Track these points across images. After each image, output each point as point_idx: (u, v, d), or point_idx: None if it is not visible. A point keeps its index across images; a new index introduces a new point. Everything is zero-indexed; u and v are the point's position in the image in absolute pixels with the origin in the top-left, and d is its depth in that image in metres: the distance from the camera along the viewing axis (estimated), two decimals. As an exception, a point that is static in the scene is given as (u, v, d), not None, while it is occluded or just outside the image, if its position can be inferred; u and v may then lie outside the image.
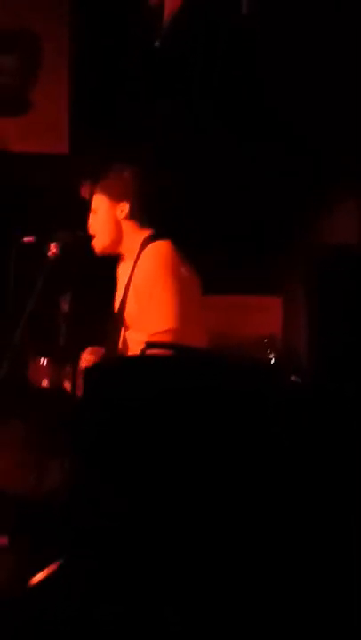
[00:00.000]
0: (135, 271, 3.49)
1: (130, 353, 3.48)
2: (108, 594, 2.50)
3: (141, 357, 3.11)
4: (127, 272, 3.54)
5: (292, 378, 2.95)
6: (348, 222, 4.32)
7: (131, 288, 3.50)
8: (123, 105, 4.26)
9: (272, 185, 4.30)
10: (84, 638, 2.46)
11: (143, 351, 3.14)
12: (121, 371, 2.90)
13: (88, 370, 2.97)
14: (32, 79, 4.50)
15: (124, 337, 3.53)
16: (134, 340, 3.47)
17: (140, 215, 3.51)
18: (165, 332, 3.35)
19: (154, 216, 3.54)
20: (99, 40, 4.43)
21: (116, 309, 3.58)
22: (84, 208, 3.47)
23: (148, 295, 3.40)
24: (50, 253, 3.40)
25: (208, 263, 3.75)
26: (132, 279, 3.50)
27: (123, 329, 3.53)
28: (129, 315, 3.50)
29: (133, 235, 3.52)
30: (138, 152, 3.71)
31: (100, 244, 3.53)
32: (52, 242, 3.39)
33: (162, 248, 3.46)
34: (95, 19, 4.45)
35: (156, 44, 3.90)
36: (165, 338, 3.33)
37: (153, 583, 2.50)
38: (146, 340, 3.37)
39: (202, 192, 4.29)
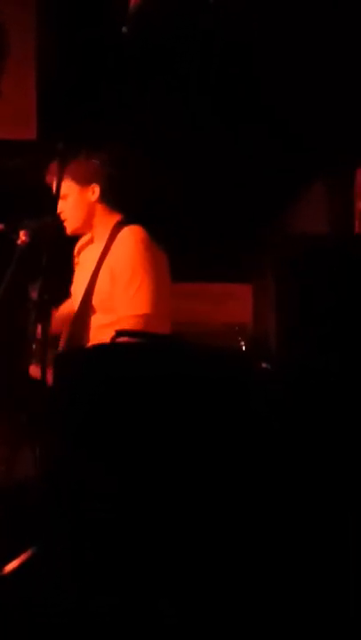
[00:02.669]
0: (111, 254, 3.50)
1: (93, 336, 3.47)
2: (95, 583, 2.49)
3: (112, 345, 3.10)
4: (95, 255, 3.54)
5: (263, 365, 2.95)
6: (318, 211, 4.33)
7: (104, 270, 3.50)
8: (90, 91, 4.25)
9: (242, 172, 4.30)
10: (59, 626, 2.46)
11: (113, 339, 3.14)
12: (92, 358, 2.89)
13: (58, 357, 2.96)
14: (-1, 67, 4.48)
15: (89, 321, 3.53)
16: (99, 324, 3.47)
17: (110, 198, 3.52)
18: (139, 316, 3.36)
19: (124, 200, 3.54)
20: (65, 27, 4.41)
21: (78, 292, 3.58)
22: (53, 194, 3.45)
23: (127, 278, 3.41)
24: (19, 241, 3.38)
25: (178, 250, 3.74)
26: (106, 261, 3.50)
27: (90, 312, 3.53)
28: (98, 296, 3.50)
29: (104, 218, 3.54)
30: (105, 138, 3.70)
31: (71, 225, 3.55)
32: (21, 229, 3.38)
33: (138, 232, 3.48)
34: (62, 6, 4.43)
35: (124, 29, 3.88)
36: (138, 322, 3.34)
37: (141, 573, 2.50)
38: (114, 321, 3.37)
39: (171, 179, 4.28)
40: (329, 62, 4.20)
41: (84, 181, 3.51)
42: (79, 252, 3.70)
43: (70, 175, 3.48)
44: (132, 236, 3.48)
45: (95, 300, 3.51)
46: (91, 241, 3.62)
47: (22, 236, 3.39)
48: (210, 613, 2.49)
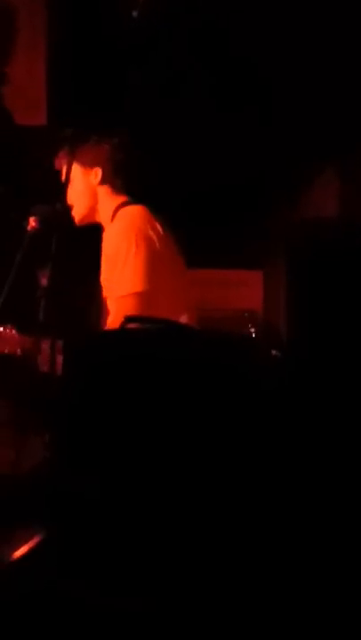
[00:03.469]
0: (106, 236, 3.48)
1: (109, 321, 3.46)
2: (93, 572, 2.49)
3: (121, 331, 3.09)
4: (104, 241, 3.53)
5: (273, 352, 2.95)
6: (329, 197, 4.32)
7: (103, 254, 3.49)
8: (100, 77, 4.23)
9: (253, 158, 4.29)
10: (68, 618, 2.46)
11: (123, 325, 3.13)
12: (101, 345, 2.88)
13: (68, 344, 2.96)
14: (8, 52, 4.46)
15: (106, 307, 3.51)
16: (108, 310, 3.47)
17: (113, 180, 3.50)
18: (133, 294, 3.32)
19: (128, 182, 3.52)
20: (75, 12, 4.39)
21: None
22: (62, 180, 3.45)
23: (119, 259, 3.37)
24: (29, 227, 3.37)
25: (188, 237, 3.73)
26: (104, 245, 3.49)
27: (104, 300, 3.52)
28: (103, 283, 3.49)
29: (108, 200, 3.51)
30: (115, 124, 3.68)
31: (78, 213, 3.52)
32: (31, 216, 3.37)
33: (133, 211, 3.45)
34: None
35: (134, 14, 3.87)
36: (133, 301, 3.31)
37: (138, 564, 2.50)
38: (114, 303, 3.36)
39: (181, 165, 4.27)
40: (337, 46, 4.18)
41: (86, 165, 3.49)
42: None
43: (77, 160, 3.46)
44: (123, 215, 3.45)
45: (103, 287, 3.50)
46: (103, 228, 3.60)
47: (32, 223, 3.38)
48: (210, 613, 2.49)
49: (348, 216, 4.27)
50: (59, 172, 3.46)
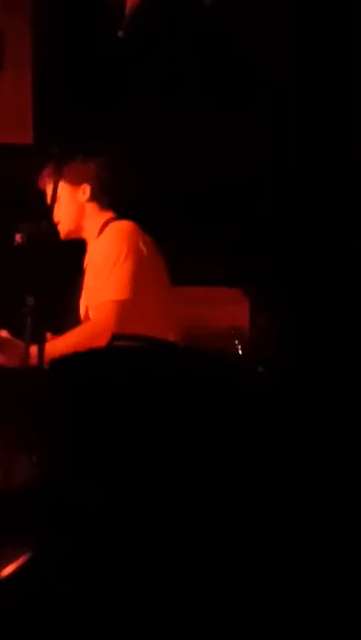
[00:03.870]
0: (92, 249, 3.50)
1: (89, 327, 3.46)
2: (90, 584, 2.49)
3: (107, 349, 3.10)
4: (89, 255, 3.55)
5: (259, 369, 2.95)
6: (317, 214, 4.32)
7: (89, 267, 3.51)
8: (86, 95, 4.25)
9: (241, 176, 4.30)
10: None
11: (110, 342, 3.13)
12: (87, 362, 2.88)
13: (53, 362, 2.95)
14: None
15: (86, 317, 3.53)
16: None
17: (101, 197, 3.53)
18: (115, 301, 3.34)
19: (115, 199, 3.55)
20: (62, 30, 4.41)
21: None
22: (47, 197, 3.47)
23: (106, 267, 3.40)
24: (14, 244, 3.38)
25: (174, 253, 3.74)
26: (91, 257, 3.51)
27: (83, 314, 3.53)
28: (86, 294, 3.50)
29: (95, 217, 3.54)
30: (101, 141, 3.70)
31: (64, 228, 3.55)
32: (17, 233, 3.38)
33: (123, 225, 3.49)
34: (58, 9, 4.43)
35: (120, 34, 3.88)
36: (114, 307, 3.32)
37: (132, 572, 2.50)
38: (95, 309, 3.37)
39: (169, 180, 4.28)
40: (337, 47, 4.20)
41: (74, 182, 3.52)
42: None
43: (64, 178, 3.48)
44: (112, 229, 3.49)
45: (86, 299, 3.51)
46: (87, 243, 3.62)
47: (18, 239, 3.38)
48: (210, 614, 2.49)
49: (337, 233, 4.28)
50: (42, 191, 3.48)
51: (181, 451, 2.61)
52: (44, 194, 3.52)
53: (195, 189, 4.30)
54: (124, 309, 3.35)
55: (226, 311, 4.34)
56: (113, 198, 3.56)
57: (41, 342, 3.10)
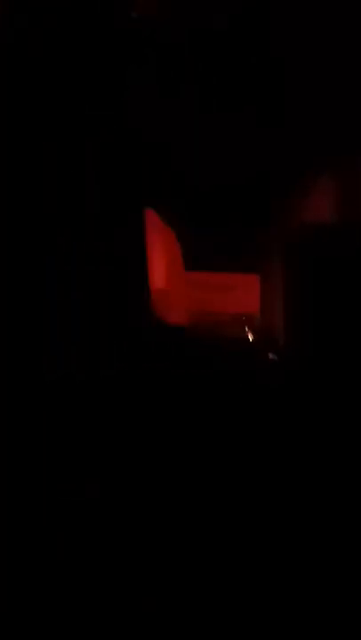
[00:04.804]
0: None
1: None
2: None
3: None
4: None
5: (270, 356, 2.94)
6: (328, 200, 4.31)
7: None
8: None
9: (251, 162, 4.28)
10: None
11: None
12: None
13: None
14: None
15: None
16: None
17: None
18: (155, 291, 3.36)
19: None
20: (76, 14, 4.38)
21: None
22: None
23: None
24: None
25: (184, 239, 3.72)
26: None
27: None
28: None
29: None
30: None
31: None
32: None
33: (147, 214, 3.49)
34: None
35: (134, 15, 3.86)
36: (155, 297, 3.35)
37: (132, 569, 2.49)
38: None
39: (177, 166, 4.26)
40: (339, 54, 4.18)
41: None
42: None
43: None
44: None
45: None
46: None
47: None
48: (210, 613, 2.48)
49: (347, 220, 4.26)
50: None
51: (190, 437, 2.60)
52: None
53: (205, 181, 4.29)
54: (161, 299, 3.37)
55: (237, 297, 4.33)
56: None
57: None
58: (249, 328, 3.87)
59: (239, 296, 4.35)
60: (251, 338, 3.82)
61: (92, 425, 2.63)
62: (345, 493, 2.58)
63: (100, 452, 2.62)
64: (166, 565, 2.52)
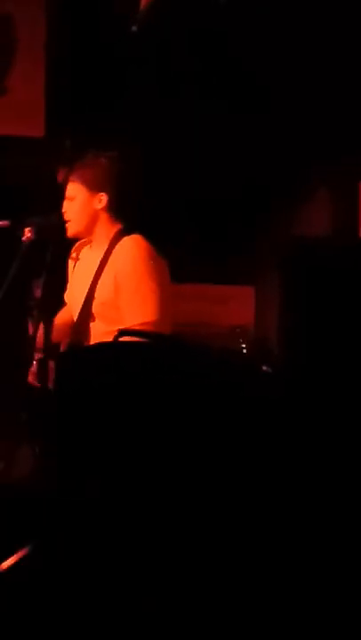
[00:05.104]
0: (113, 263, 3.50)
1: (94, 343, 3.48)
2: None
3: (115, 344, 3.10)
4: (94, 262, 3.54)
5: (264, 368, 2.95)
6: (322, 213, 4.33)
7: (106, 279, 3.50)
8: (99, 89, 4.25)
9: (246, 175, 4.30)
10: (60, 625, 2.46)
11: (116, 338, 3.13)
12: (94, 357, 2.88)
13: (61, 355, 2.96)
14: (7, 63, 4.47)
15: (89, 329, 3.53)
16: (101, 331, 3.47)
17: (116, 207, 3.53)
18: (147, 324, 3.36)
19: (127, 211, 3.56)
20: (75, 23, 4.41)
21: (77, 300, 3.57)
22: (60, 192, 3.46)
23: (133, 288, 3.42)
24: (24, 238, 3.38)
25: (180, 252, 3.74)
26: (108, 270, 3.50)
27: (90, 320, 3.54)
28: (99, 305, 3.50)
29: (106, 226, 3.55)
30: (114, 137, 3.70)
31: (73, 229, 3.54)
32: (27, 226, 3.38)
33: (140, 241, 3.49)
34: (72, 1, 4.43)
35: (133, 28, 3.88)
36: (146, 329, 3.35)
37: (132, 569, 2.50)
38: (116, 331, 3.37)
39: (174, 181, 4.28)
40: (336, 69, 4.20)
41: (93, 188, 3.52)
42: (77, 251, 3.69)
43: (81, 179, 3.48)
44: (135, 245, 3.50)
45: (96, 309, 3.51)
46: (88, 242, 3.62)
47: (27, 233, 3.38)
48: (210, 613, 2.49)
49: (341, 233, 4.29)
50: (55, 184, 3.47)
51: (185, 447, 2.61)
52: (54, 187, 3.51)
53: (201, 194, 4.31)
54: (156, 328, 3.38)
55: (231, 309, 4.35)
56: (126, 209, 3.57)
57: (47, 334, 3.11)
58: (243, 340, 3.89)
59: (234, 308, 4.38)
60: (245, 349, 3.84)
61: (91, 436, 2.64)
62: (341, 499, 2.59)
63: (99, 461, 2.63)
64: (166, 565, 2.53)
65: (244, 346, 3.87)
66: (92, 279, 3.53)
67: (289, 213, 4.40)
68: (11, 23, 4.46)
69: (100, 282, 3.51)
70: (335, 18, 4.19)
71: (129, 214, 3.58)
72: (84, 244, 3.65)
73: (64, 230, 3.51)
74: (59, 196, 3.35)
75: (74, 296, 3.61)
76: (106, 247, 3.53)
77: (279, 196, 4.39)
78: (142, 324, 3.36)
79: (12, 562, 2.76)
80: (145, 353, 2.88)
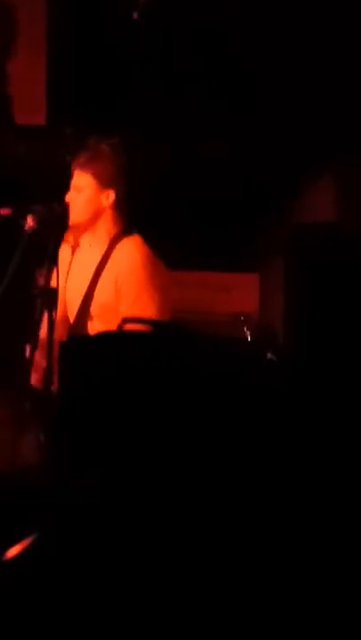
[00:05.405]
0: (113, 266, 3.49)
1: None
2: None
3: (119, 333, 3.09)
4: (94, 259, 3.53)
5: (268, 355, 2.94)
6: (327, 199, 4.32)
7: (106, 280, 3.50)
8: (100, 77, 4.24)
9: (250, 160, 4.29)
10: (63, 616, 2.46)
11: (120, 326, 3.13)
12: (98, 345, 2.88)
13: (64, 344, 2.95)
14: (8, 51, 4.45)
15: (86, 328, 3.52)
16: (98, 332, 3.47)
17: (121, 205, 3.52)
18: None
19: (131, 210, 3.55)
20: (76, 11, 4.39)
21: (74, 298, 3.56)
22: (61, 180, 3.45)
23: (134, 294, 3.43)
24: (26, 226, 3.36)
25: (184, 239, 3.73)
26: (107, 272, 3.50)
27: (87, 320, 3.53)
28: (98, 306, 3.50)
29: (110, 223, 3.54)
30: (115, 124, 3.69)
31: (75, 219, 3.52)
32: (29, 214, 3.36)
33: (141, 245, 3.50)
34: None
35: (135, 15, 3.87)
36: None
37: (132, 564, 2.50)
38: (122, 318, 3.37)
39: (179, 167, 4.27)
40: (337, 52, 4.19)
41: (103, 183, 3.50)
42: (75, 238, 3.66)
43: (92, 171, 3.47)
44: (136, 249, 3.50)
45: (94, 310, 3.50)
46: (86, 231, 3.61)
47: (30, 222, 3.37)
48: (210, 613, 2.49)
49: (346, 220, 4.27)
50: (57, 172, 3.46)
51: (188, 436, 2.60)
52: (56, 176, 3.50)
53: (205, 182, 4.30)
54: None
55: (235, 297, 4.34)
56: (130, 209, 3.57)
57: (51, 321, 3.11)
58: (248, 327, 3.88)
59: (238, 295, 4.37)
60: (249, 337, 3.83)
61: (93, 425, 2.64)
62: (343, 492, 2.59)
63: (100, 452, 2.63)
64: (166, 565, 2.53)
65: (248, 333, 3.86)
66: (90, 279, 3.53)
67: (294, 200, 4.38)
68: (12, 12, 4.45)
69: (99, 283, 3.51)
70: (336, 17, 4.18)
71: (131, 212, 3.58)
72: (82, 231, 3.62)
73: (67, 219, 3.50)
74: (61, 184, 3.34)
75: (71, 291, 3.58)
76: (106, 246, 3.52)
77: (284, 183, 4.37)
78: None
79: (17, 551, 2.76)
80: (148, 342, 2.88)
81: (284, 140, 4.29)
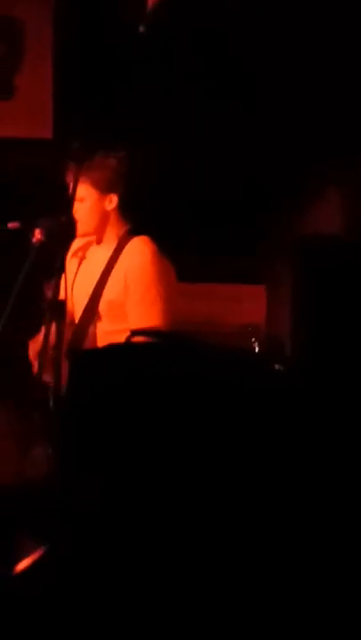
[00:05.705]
0: (121, 264, 3.51)
1: (100, 342, 3.48)
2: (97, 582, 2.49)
3: (127, 344, 3.10)
4: (101, 261, 3.55)
5: (276, 366, 2.95)
6: (334, 211, 4.32)
7: (115, 279, 3.51)
8: (107, 90, 4.25)
9: (257, 172, 4.30)
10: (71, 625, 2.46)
11: (129, 338, 3.14)
12: (107, 357, 2.88)
13: (74, 356, 2.97)
14: (16, 64, 4.47)
15: (94, 327, 3.53)
16: (107, 330, 3.48)
17: (125, 207, 3.54)
18: (152, 328, 3.38)
19: (136, 211, 3.57)
20: (82, 25, 4.41)
21: (81, 297, 3.57)
22: (68, 193, 3.46)
23: (142, 291, 3.44)
24: (34, 239, 3.38)
25: (192, 251, 3.73)
26: (116, 271, 3.51)
27: (95, 318, 3.54)
28: (106, 304, 3.50)
29: (116, 225, 3.56)
30: (122, 137, 3.70)
31: (83, 229, 3.54)
32: (37, 228, 3.38)
33: (149, 244, 3.52)
34: (79, 3, 4.44)
35: (141, 29, 3.88)
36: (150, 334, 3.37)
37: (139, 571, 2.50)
38: (125, 329, 3.38)
39: (185, 180, 4.28)
40: (340, 60, 4.19)
41: (103, 189, 3.52)
42: (83, 250, 3.68)
43: (90, 180, 3.48)
44: (145, 248, 3.52)
45: (102, 307, 3.51)
46: (93, 242, 3.62)
47: (37, 235, 3.38)
48: (210, 614, 2.49)
49: (352, 231, 4.28)
50: (67, 185, 3.47)
51: (196, 447, 2.61)
52: (64, 189, 3.51)
53: (211, 193, 4.30)
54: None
55: (243, 308, 4.35)
56: (135, 210, 3.58)
57: (59, 334, 3.12)
58: (255, 339, 3.89)
59: (246, 307, 4.37)
60: (257, 348, 3.84)
61: (103, 436, 2.64)
62: (350, 499, 2.59)
63: (102, 461, 2.63)
64: (168, 571, 2.53)
65: (255, 344, 3.86)
66: (98, 277, 3.54)
67: (300, 212, 4.39)
68: (19, 24, 4.47)
69: (109, 280, 3.52)
70: (336, 18, 4.18)
71: (136, 214, 3.59)
72: (90, 243, 3.64)
73: (74, 231, 3.52)
74: (68, 197, 3.36)
75: (76, 296, 3.60)
76: (114, 246, 3.53)
77: (290, 194, 4.38)
78: (149, 328, 3.37)
79: (28, 564, 2.76)
80: (156, 353, 2.88)
81: (284, 140, 4.30)
